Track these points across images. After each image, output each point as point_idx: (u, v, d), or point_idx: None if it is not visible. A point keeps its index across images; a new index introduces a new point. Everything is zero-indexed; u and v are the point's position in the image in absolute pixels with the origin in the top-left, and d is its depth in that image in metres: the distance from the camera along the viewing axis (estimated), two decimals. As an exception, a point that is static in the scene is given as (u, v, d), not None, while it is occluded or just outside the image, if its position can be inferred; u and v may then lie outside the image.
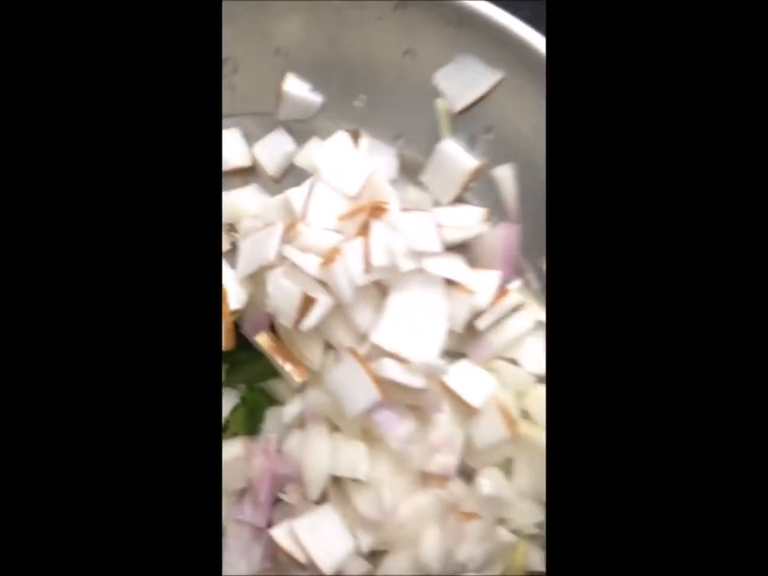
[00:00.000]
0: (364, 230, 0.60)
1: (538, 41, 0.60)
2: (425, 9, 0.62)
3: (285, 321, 0.59)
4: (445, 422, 0.60)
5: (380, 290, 0.61)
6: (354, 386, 0.57)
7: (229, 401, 0.66)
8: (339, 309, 0.59)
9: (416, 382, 0.58)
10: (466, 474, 0.63)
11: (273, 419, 0.65)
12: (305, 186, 0.63)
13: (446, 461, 0.60)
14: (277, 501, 0.63)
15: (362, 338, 0.60)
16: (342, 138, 0.66)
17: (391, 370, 0.58)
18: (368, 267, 0.58)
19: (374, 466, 0.59)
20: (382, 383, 0.57)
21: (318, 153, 0.65)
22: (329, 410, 0.60)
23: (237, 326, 0.63)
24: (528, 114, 0.62)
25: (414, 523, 0.59)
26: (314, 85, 0.67)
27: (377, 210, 0.60)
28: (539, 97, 0.60)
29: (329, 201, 0.63)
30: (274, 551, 0.63)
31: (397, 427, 0.58)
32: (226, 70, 0.65)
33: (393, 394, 0.58)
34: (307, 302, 0.58)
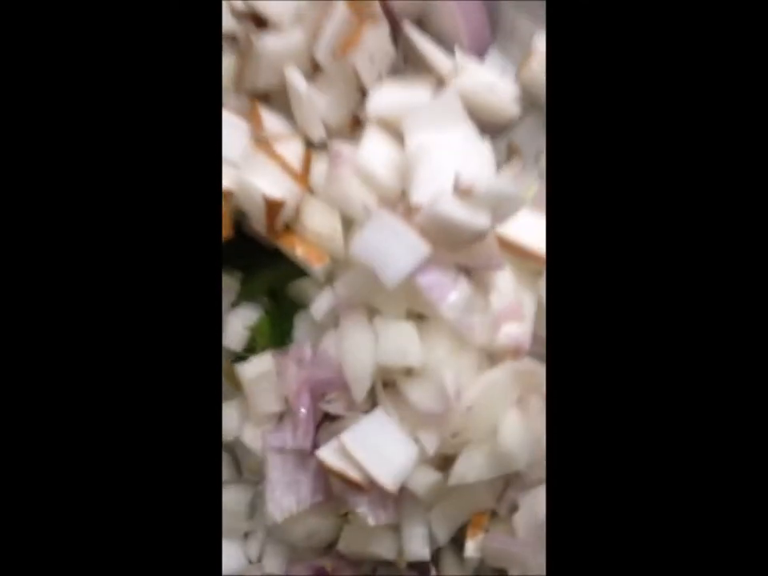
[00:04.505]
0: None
1: None
2: None
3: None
4: (508, 283, 0.49)
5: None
6: (392, 247, 0.45)
7: (251, 315, 0.56)
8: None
9: (480, 220, 0.45)
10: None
11: (303, 325, 0.54)
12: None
13: (516, 330, 0.48)
14: (321, 420, 0.53)
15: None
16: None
17: (449, 208, 0.45)
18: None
19: (428, 348, 0.48)
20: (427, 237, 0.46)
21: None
22: (363, 291, 0.49)
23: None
24: None
25: (487, 407, 0.47)
26: None
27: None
28: None
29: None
30: (324, 480, 0.52)
31: (448, 293, 0.47)
32: None
33: (439, 255, 0.47)
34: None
